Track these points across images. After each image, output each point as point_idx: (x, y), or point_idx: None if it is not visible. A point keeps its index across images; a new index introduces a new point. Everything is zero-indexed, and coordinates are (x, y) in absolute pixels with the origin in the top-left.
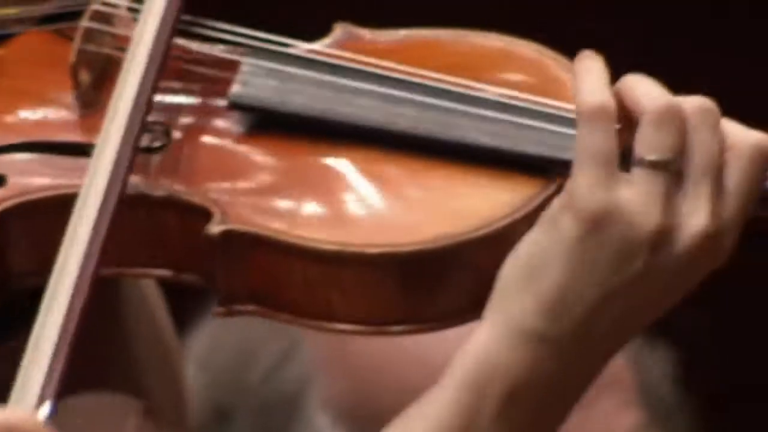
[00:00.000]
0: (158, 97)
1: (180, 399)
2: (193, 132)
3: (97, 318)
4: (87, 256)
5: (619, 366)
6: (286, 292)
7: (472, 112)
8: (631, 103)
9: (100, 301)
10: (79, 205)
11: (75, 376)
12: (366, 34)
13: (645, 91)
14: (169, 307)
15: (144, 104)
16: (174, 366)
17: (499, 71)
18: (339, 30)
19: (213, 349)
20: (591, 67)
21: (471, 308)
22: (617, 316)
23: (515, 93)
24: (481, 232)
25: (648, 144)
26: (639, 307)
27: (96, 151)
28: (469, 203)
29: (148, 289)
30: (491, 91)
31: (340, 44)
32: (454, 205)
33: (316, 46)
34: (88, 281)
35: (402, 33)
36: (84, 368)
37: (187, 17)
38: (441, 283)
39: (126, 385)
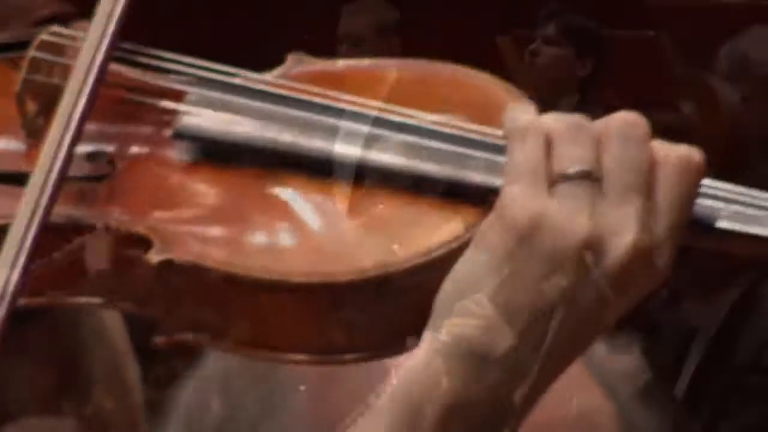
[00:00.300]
0: (102, 126)
1: (134, 421)
2: (137, 161)
3: (50, 339)
4: (7, 286)
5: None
6: (227, 320)
7: (419, 143)
8: (547, 128)
9: (54, 322)
10: (10, 234)
11: (25, 399)
12: (318, 64)
13: (554, 116)
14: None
15: (74, 132)
16: (129, 387)
17: (448, 101)
18: (290, 60)
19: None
20: (521, 102)
21: (418, 335)
22: (554, 332)
23: (463, 124)
24: (423, 260)
25: (565, 158)
26: (577, 323)
27: (30, 181)
28: (413, 232)
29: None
30: (438, 122)
31: (290, 75)
32: (398, 234)
33: (266, 76)
34: (6, 313)
35: (353, 63)
36: (34, 390)
37: (133, 47)
38: (384, 311)
39: (78, 406)
